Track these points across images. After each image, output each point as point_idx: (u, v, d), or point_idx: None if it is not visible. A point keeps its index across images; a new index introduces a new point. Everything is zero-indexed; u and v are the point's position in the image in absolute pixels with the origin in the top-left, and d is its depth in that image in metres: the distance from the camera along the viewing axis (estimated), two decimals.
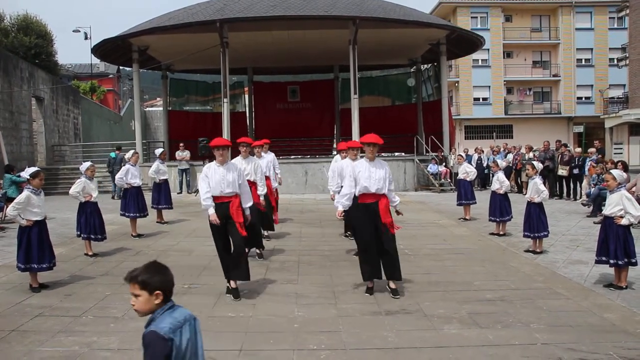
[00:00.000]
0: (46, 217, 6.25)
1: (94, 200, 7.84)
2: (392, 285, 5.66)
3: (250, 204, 5.94)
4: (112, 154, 17.94)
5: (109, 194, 17.70)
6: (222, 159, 5.70)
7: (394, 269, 5.63)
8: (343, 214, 5.84)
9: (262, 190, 7.75)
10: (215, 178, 5.65)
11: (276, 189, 9.49)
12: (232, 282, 5.67)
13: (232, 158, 6.78)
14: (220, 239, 5.71)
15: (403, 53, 22.17)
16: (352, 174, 5.69)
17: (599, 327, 4.65)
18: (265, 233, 8.77)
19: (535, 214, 7.74)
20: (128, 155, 10.10)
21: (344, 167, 7.78)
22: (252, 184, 7.67)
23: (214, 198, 5.66)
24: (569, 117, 39.06)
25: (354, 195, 5.70)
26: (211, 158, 19.76)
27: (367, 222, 5.60)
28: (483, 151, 20.07)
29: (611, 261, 5.86)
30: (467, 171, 11.19)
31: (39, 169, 6.44)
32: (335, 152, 24.16)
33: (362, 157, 5.95)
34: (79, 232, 7.88)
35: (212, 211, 5.62)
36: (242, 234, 5.59)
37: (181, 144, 18.33)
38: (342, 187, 7.73)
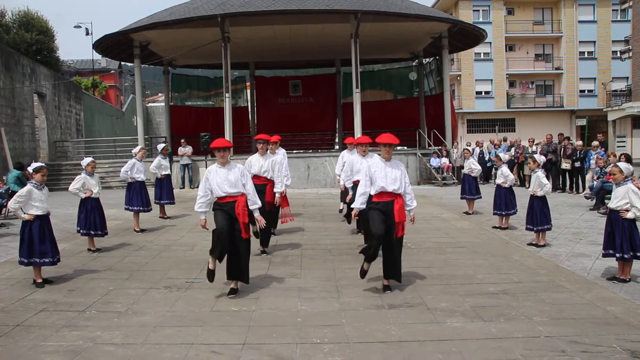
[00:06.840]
0: (49, 212, 6.25)
1: (95, 196, 7.84)
2: (386, 282, 5.64)
3: (257, 205, 5.75)
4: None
5: (112, 189, 17.80)
6: (222, 160, 5.60)
7: (395, 269, 5.60)
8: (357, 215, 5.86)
9: (280, 187, 7.52)
10: (216, 179, 5.55)
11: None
12: (232, 283, 5.62)
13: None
14: (225, 242, 5.43)
15: (405, 47, 22.07)
16: (368, 172, 5.59)
17: (602, 320, 4.65)
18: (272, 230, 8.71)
19: (538, 207, 7.73)
20: (135, 150, 10.11)
21: (355, 162, 7.80)
22: (269, 182, 7.59)
23: (219, 199, 5.58)
24: (571, 110, 38.87)
25: (369, 194, 5.61)
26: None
27: (381, 217, 5.51)
28: (484, 144, 20.02)
29: (617, 255, 5.86)
30: (472, 167, 11.18)
31: (42, 164, 6.45)
32: (337, 147, 24.26)
33: (378, 154, 5.82)
34: (78, 228, 7.90)
35: (202, 217, 5.66)
36: (244, 237, 5.48)
37: (182, 140, 18.42)
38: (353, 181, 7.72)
